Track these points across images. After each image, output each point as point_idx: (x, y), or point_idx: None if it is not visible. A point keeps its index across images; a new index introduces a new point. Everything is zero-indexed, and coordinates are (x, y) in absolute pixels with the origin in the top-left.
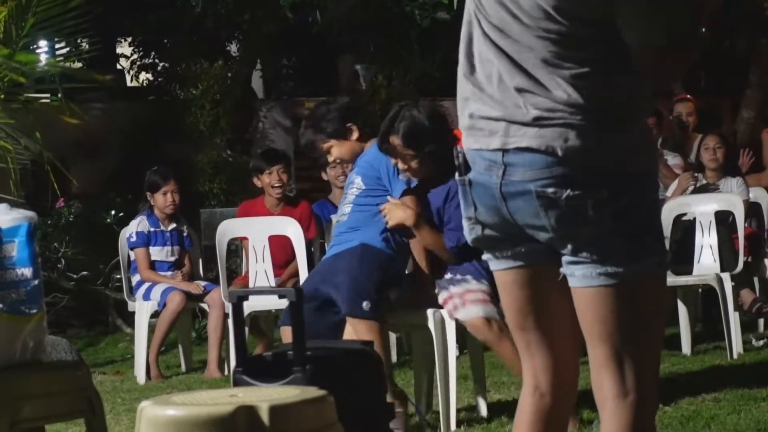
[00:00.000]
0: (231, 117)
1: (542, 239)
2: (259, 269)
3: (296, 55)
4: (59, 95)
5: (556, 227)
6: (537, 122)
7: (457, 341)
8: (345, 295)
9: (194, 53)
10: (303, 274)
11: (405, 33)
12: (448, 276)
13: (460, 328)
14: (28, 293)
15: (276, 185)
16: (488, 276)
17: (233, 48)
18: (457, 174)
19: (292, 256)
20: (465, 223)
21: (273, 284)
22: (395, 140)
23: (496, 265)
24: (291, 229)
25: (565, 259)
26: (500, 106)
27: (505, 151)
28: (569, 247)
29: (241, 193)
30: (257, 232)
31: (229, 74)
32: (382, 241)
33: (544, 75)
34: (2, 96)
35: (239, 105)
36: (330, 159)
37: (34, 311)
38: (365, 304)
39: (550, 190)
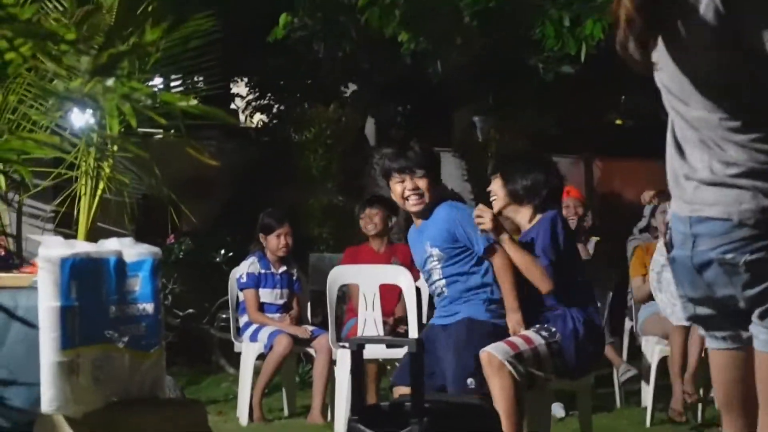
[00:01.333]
0: (343, 162)
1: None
2: (368, 317)
3: (411, 103)
4: (175, 130)
5: (743, 292)
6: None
7: (563, 402)
8: (451, 374)
9: (309, 97)
10: (412, 326)
11: (524, 86)
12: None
13: (560, 392)
14: (149, 329)
15: (370, 226)
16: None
17: (348, 92)
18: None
19: (397, 303)
20: (679, 302)
21: (381, 332)
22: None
23: (712, 343)
24: (402, 278)
25: (753, 319)
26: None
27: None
28: (757, 311)
29: (349, 238)
30: (368, 279)
31: (343, 119)
32: (486, 312)
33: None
34: (122, 129)
35: (352, 150)
36: (410, 188)
37: (154, 347)
38: (470, 381)
39: (729, 256)
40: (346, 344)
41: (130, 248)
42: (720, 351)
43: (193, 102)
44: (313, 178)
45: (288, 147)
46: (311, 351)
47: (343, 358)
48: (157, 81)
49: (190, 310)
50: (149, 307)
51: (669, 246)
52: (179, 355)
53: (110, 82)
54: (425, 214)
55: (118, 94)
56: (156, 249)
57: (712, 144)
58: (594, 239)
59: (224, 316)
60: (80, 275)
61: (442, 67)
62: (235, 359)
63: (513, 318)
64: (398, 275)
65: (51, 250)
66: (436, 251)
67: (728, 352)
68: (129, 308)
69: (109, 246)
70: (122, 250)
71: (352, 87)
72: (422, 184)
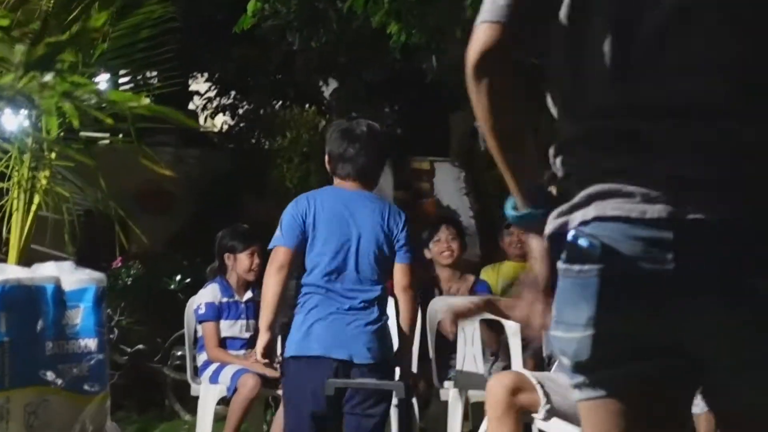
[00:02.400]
0: (323, 173)
1: None
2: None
3: (401, 105)
4: (124, 135)
5: None
6: None
7: None
8: None
9: (282, 96)
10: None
11: (535, 86)
12: None
13: None
14: (92, 369)
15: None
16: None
17: (327, 92)
18: None
19: None
20: (580, 334)
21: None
22: None
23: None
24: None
25: None
26: None
27: None
28: None
29: None
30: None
31: (322, 122)
32: None
33: None
34: (62, 133)
35: None
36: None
37: (97, 390)
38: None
39: None
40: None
41: (70, 274)
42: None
43: (146, 101)
44: (287, 192)
45: (257, 155)
46: (280, 393)
47: None
48: (103, 77)
49: (140, 346)
50: (92, 343)
51: None
52: (126, 399)
53: (48, 77)
54: None
55: (57, 92)
56: (100, 275)
57: None
58: None
59: (179, 353)
60: (11, 306)
61: (438, 64)
62: (192, 404)
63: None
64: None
65: None
66: None
67: None
68: (68, 344)
69: (46, 271)
70: (61, 276)
71: (333, 84)
72: None
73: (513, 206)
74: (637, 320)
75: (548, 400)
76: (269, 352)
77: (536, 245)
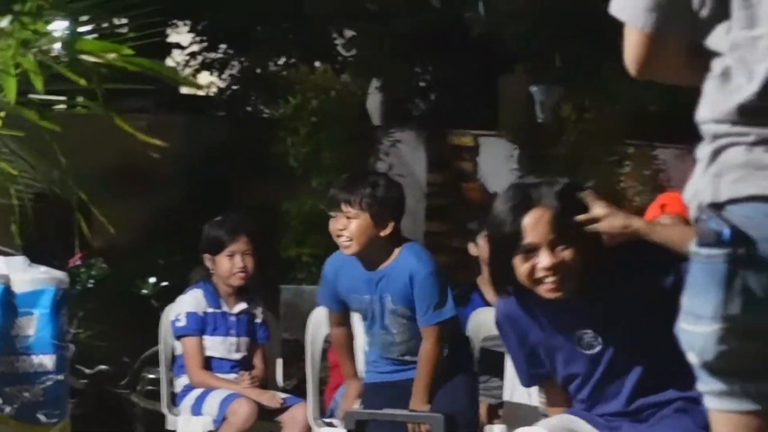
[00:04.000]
0: (336, 149)
1: None
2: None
3: (437, 64)
4: (88, 98)
5: None
6: None
7: None
8: None
9: (285, 50)
10: None
11: (614, 45)
12: None
13: None
14: (48, 392)
15: None
16: None
17: (343, 43)
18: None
19: None
20: (705, 328)
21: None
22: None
23: (731, 404)
24: None
25: None
26: None
27: None
28: None
29: None
30: None
31: (336, 86)
32: None
33: None
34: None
35: (350, 132)
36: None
37: (55, 420)
38: None
39: None
40: (334, 420)
41: (21, 273)
42: (743, 415)
43: (128, 51)
44: (291, 172)
45: (254, 125)
46: (280, 426)
47: None
48: (58, 25)
49: (102, 367)
50: (48, 360)
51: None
52: None
53: (4, 22)
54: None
55: (15, 41)
56: (60, 274)
57: None
58: None
59: (152, 376)
60: None
61: (486, 12)
62: None
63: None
64: None
65: None
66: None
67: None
68: (19, 362)
69: None
70: (10, 275)
71: (349, 34)
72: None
73: None
74: None
75: None
76: None
77: None
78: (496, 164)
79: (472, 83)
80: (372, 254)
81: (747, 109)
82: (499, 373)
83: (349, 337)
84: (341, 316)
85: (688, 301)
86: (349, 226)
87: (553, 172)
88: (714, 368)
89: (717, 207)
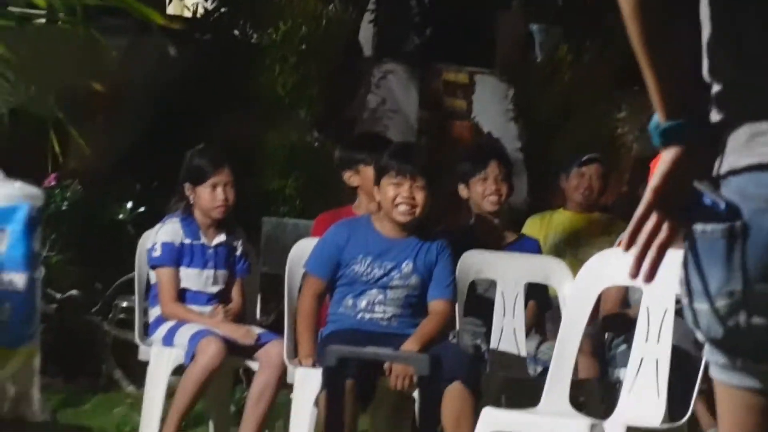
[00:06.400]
0: (325, 80)
1: None
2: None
3: None
4: (66, 13)
5: None
6: None
7: None
8: None
9: None
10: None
11: None
12: None
13: None
14: (16, 313)
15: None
16: None
17: None
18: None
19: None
20: (708, 306)
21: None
22: None
23: (741, 379)
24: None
25: None
26: None
27: None
28: None
29: (326, 198)
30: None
31: (326, 12)
32: None
33: None
34: None
35: (339, 63)
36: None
37: (24, 343)
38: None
39: None
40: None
41: None
42: (745, 391)
43: None
44: (277, 101)
45: (241, 51)
46: (254, 365)
47: (305, 381)
48: None
49: (73, 292)
50: (19, 279)
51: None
52: (52, 361)
53: None
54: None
55: None
56: (35, 191)
57: None
58: None
59: (125, 304)
60: None
61: None
62: (138, 372)
63: None
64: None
65: None
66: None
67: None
68: None
69: None
70: None
71: None
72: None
73: (656, 124)
74: None
75: None
76: None
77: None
78: (491, 104)
79: (468, 18)
80: (414, 222)
81: None
82: (483, 318)
83: (318, 314)
84: (325, 287)
85: (688, 278)
86: (417, 195)
87: (549, 115)
88: (720, 345)
89: (715, 181)
